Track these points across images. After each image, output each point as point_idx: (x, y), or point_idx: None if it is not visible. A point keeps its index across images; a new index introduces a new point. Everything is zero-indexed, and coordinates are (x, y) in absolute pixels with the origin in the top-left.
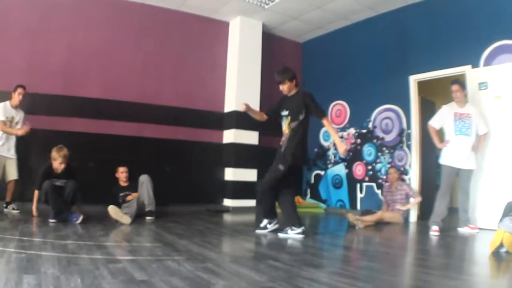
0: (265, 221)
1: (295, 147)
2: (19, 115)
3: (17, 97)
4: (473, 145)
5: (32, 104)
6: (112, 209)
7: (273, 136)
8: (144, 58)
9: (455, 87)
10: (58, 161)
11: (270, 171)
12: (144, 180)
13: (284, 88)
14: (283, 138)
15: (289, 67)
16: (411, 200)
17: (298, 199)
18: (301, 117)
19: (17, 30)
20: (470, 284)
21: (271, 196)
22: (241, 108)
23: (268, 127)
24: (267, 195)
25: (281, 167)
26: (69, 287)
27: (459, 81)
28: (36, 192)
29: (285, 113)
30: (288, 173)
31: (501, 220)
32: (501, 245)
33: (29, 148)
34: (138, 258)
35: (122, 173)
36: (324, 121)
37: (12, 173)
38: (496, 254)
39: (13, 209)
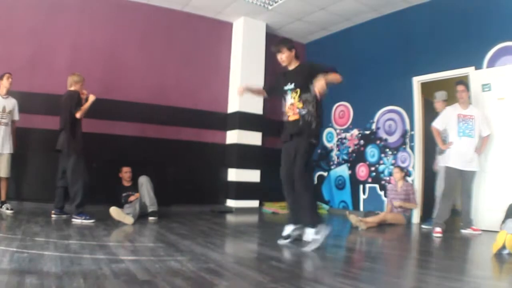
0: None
1: (317, 122)
2: (10, 104)
3: (6, 82)
4: (476, 147)
5: (36, 103)
6: (114, 211)
7: (276, 136)
8: (148, 58)
9: (460, 88)
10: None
11: (297, 154)
12: (143, 181)
13: (283, 57)
14: (290, 114)
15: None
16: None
17: None
18: (312, 87)
19: (22, 29)
20: (473, 286)
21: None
22: (238, 93)
23: (271, 127)
24: (303, 185)
25: (313, 140)
26: (72, 287)
27: (464, 82)
28: None
29: (290, 86)
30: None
31: (503, 222)
32: (503, 247)
33: (29, 147)
34: (141, 258)
35: (126, 173)
36: (331, 74)
37: (3, 170)
38: (499, 256)
39: (7, 209)
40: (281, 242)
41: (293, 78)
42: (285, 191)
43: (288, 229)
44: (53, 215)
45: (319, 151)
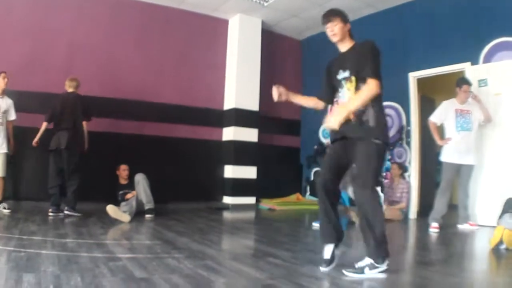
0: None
1: (382, 119)
2: (5, 103)
3: (1, 82)
4: (475, 140)
5: (33, 102)
6: (110, 209)
7: (272, 133)
8: (144, 56)
9: (467, 88)
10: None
11: (358, 167)
12: (140, 179)
13: (335, 30)
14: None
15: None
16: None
17: (298, 196)
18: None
19: (19, 28)
20: (470, 281)
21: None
22: (275, 96)
23: (267, 124)
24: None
25: (376, 141)
26: (69, 285)
27: (470, 82)
28: None
29: (344, 74)
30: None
31: (501, 217)
32: (501, 242)
33: (25, 146)
34: (138, 256)
35: (123, 171)
36: (368, 81)
37: None
38: (496, 251)
39: (4, 208)
40: (324, 269)
41: (346, 63)
42: (319, 201)
43: (329, 251)
44: (50, 214)
45: (315, 147)
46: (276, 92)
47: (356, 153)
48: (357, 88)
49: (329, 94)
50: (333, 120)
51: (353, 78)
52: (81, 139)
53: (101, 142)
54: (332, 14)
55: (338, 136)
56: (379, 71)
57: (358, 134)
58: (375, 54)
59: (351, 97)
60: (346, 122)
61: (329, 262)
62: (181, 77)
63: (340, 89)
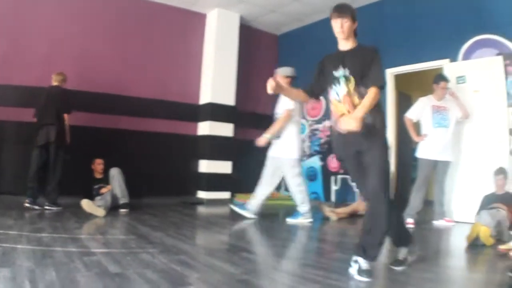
0: (403, 251)
1: (383, 122)
2: None
3: None
4: (452, 136)
5: (10, 96)
6: (85, 203)
7: (248, 128)
8: (121, 50)
9: (444, 84)
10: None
11: (372, 171)
12: (115, 173)
13: (345, 27)
14: (341, 111)
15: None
16: None
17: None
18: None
19: None
20: (446, 277)
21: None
22: (269, 88)
23: (243, 119)
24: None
25: (385, 156)
26: (44, 280)
27: (448, 79)
28: None
29: (342, 72)
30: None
31: (478, 213)
32: (477, 238)
33: (2, 140)
34: (112, 251)
35: (98, 165)
36: (372, 89)
37: None
38: (473, 247)
39: None
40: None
41: (348, 61)
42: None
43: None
44: (27, 204)
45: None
46: (271, 85)
47: (372, 156)
48: (355, 89)
49: (319, 89)
50: (352, 122)
51: (352, 78)
52: (65, 132)
53: (76, 136)
54: (344, 10)
55: (350, 151)
56: (384, 77)
57: (368, 141)
58: (379, 61)
59: (353, 103)
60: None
61: (400, 263)
62: (157, 71)
63: (334, 86)
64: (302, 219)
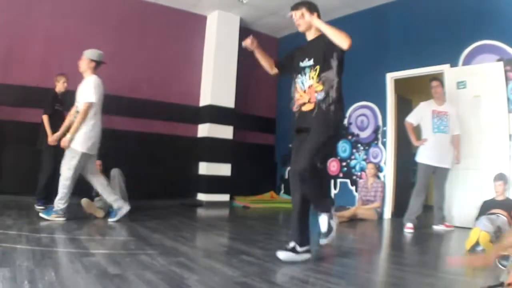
0: (325, 219)
1: (337, 109)
2: None
3: None
4: (450, 143)
5: (9, 96)
6: (85, 203)
7: (247, 130)
8: (120, 50)
9: (435, 83)
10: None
11: (302, 149)
12: (115, 174)
13: (299, 20)
14: (305, 101)
15: None
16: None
17: (272, 194)
18: (334, 63)
19: None
20: (446, 282)
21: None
22: (246, 43)
23: (243, 121)
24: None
25: (331, 132)
26: (44, 280)
27: (439, 78)
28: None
29: (308, 63)
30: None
31: (477, 219)
32: (477, 244)
33: (2, 139)
34: (111, 252)
35: (96, 166)
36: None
37: None
38: (472, 253)
39: None
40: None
41: (311, 51)
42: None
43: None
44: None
45: (290, 145)
46: (250, 41)
47: (310, 139)
48: (319, 76)
49: (286, 66)
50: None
51: (317, 67)
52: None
53: None
54: (298, 4)
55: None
56: (343, 66)
57: (316, 124)
58: (343, 53)
59: (315, 85)
60: (307, 113)
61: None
62: (157, 72)
63: (300, 76)
64: (55, 216)
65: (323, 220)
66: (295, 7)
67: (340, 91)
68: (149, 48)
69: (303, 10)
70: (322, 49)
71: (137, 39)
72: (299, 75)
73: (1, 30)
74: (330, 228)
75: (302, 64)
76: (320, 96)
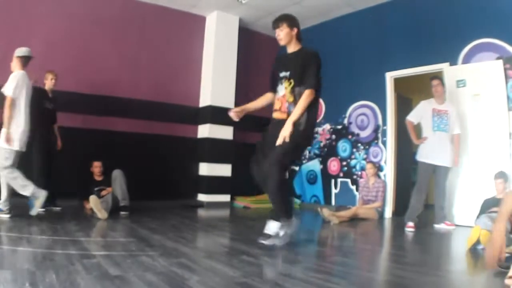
0: (275, 225)
1: (308, 123)
2: None
3: None
4: (450, 142)
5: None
6: (93, 200)
7: (247, 131)
8: (120, 52)
9: (435, 82)
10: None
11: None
12: (117, 175)
13: (280, 35)
14: (277, 108)
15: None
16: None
17: None
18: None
19: None
20: (447, 281)
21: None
22: (232, 115)
23: (243, 122)
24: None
25: (300, 141)
26: (44, 282)
27: (439, 76)
28: None
29: (285, 74)
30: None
31: (478, 217)
32: (478, 242)
33: None
34: (112, 253)
35: (96, 168)
36: (306, 92)
37: None
38: (473, 251)
39: None
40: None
41: (289, 64)
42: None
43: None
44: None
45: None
46: (234, 115)
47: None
48: (292, 89)
49: (276, 85)
50: (286, 128)
51: (292, 80)
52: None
53: (75, 138)
54: (279, 20)
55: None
56: (319, 82)
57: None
58: (318, 63)
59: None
60: (279, 123)
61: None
62: (157, 73)
63: (279, 85)
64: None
65: (273, 225)
66: (276, 25)
67: (313, 105)
68: (148, 49)
69: (284, 27)
70: (299, 64)
71: (136, 40)
72: (279, 84)
73: (1, 30)
74: (276, 235)
75: (281, 75)
76: (292, 107)
